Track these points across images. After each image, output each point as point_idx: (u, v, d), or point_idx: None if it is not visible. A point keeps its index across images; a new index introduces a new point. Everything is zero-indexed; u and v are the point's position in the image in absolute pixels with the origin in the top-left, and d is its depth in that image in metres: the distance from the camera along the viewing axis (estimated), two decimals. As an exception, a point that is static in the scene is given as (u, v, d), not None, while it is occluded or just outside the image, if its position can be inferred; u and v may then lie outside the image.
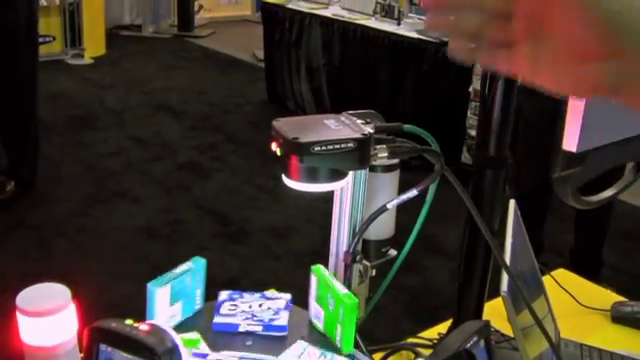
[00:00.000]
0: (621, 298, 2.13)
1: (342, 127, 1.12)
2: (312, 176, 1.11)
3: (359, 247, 1.30)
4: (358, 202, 1.29)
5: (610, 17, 0.62)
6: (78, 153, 5.86)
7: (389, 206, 1.19)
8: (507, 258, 1.37)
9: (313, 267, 1.33)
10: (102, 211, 4.84)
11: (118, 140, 6.21)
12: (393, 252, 1.39)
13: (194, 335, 1.33)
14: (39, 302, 1.05)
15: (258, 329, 1.36)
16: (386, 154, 1.12)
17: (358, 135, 1.10)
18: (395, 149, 1.12)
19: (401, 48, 5.88)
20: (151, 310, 1.29)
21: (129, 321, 1.02)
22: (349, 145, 1.08)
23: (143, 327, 0.99)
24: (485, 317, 1.81)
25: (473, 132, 5.15)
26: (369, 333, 1.39)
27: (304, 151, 1.08)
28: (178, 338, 0.99)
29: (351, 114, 1.17)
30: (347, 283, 1.30)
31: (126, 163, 5.72)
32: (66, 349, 1.06)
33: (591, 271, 3.68)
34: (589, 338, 1.92)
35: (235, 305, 1.42)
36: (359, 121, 1.14)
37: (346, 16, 6.51)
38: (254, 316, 1.37)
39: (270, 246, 4.41)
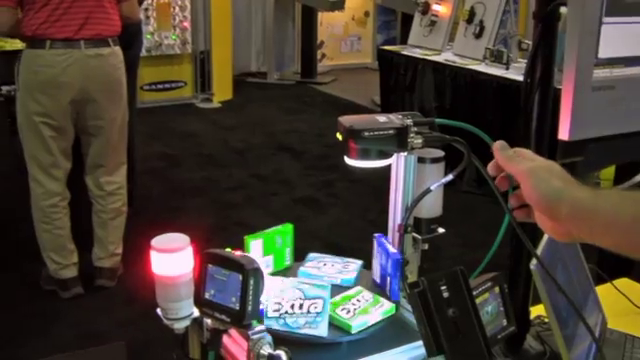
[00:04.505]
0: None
1: (387, 120, 1.48)
2: (365, 155, 1.48)
3: (411, 221, 1.65)
4: (409, 186, 1.64)
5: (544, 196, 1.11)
6: (204, 187, 6.35)
7: (432, 188, 1.54)
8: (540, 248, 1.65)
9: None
10: (223, 239, 5.27)
11: (240, 176, 6.68)
12: (441, 230, 1.73)
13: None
14: (167, 243, 1.45)
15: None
16: (421, 141, 1.47)
17: (398, 125, 1.46)
18: (428, 137, 1.47)
19: (509, 91, 6.13)
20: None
21: (228, 249, 1.42)
22: (390, 132, 1.45)
23: (238, 253, 1.39)
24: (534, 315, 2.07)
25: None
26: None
27: (357, 135, 1.45)
28: (263, 265, 1.37)
29: (397, 113, 1.53)
30: (401, 250, 1.65)
31: (247, 197, 6.17)
32: (184, 280, 1.45)
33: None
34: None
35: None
36: (401, 116, 1.50)
37: (457, 61, 6.81)
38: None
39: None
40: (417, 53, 7.29)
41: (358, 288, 1.77)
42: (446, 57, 7.04)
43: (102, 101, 4.24)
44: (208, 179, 6.57)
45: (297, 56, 11.43)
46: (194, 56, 9.25)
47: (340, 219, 5.78)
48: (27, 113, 4.17)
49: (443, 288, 1.23)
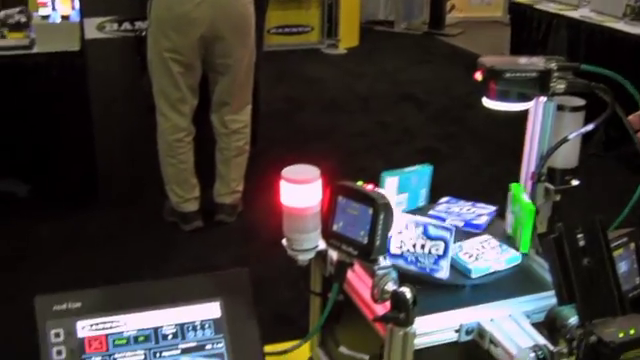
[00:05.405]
0: None
1: (530, 63, 1.43)
2: (504, 97, 1.44)
3: (545, 170, 1.60)
4: (546, 133, 1.58)
5: None
6: (327, 132, 6.37)
7: (570, 137, 1.49)
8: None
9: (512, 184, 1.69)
10: (343, 184, 5.28)
11: (364, 123, 6.67)
12: (575, 182, 1.67)
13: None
14: (297, 174, 1.45)
15: (460, 224, 1.73)
16: (563, 86, 1.41)
17: (541, 68, 1.41)
18: (571, 83, 1.42)
19: (650, 51, 5.87)
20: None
21: (360, 182, 1.41)
22: (532, 74, 1.40)
23: (369, 187, 1.38)
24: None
25: None
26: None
27: (498, 76, 1.40)
28: (395, 203, 1.36)
29: (541, 57, 1.48)
30: (532, 199, 1.61)
31: (369, 144, 6.15)
32: (313, 212, 1.45)
33: None
34: None
35: (449, 207, 1.88)
36: (545, 60, 1.45)
37: (594, 18, 6.57)
38: (460, 215, 1.75)
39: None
40: (552, 8, 7.07)
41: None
42: (582, 13, 6.80)
43: (230, 39, 4.27)
44: (331, 124, 6.58)
45: (426, 6, 11.24)
46: (322, 1, 9.25)
47: (461, 172, 5.69)
48: (158, 49, 4.25)
49: (579, 236, 1.19)
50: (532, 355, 1.26)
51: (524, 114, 1.66)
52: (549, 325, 1.28)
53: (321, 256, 1.55)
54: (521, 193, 1.63)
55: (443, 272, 1.56)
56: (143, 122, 4.93)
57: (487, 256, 1.63)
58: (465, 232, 1.77)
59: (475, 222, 1.77)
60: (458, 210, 1.87)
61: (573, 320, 1.23)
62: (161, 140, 4.47)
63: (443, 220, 1.81)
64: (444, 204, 1.93)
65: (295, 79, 7.99)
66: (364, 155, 5.89)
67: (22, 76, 4.61)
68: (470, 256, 1.63)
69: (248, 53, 4.43)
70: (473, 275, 1.59)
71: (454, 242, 1.57)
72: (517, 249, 1.65)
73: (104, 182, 5.02)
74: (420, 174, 1.88)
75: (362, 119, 6.78)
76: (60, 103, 4.69)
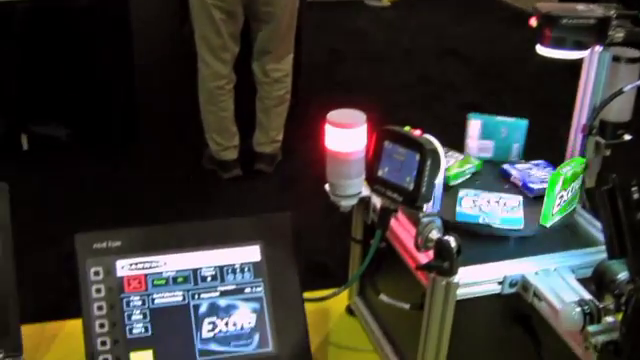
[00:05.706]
0: None
1: (588, 9, 1.39)
2: (559, 44, 1.39)
3: (596, 123, 1.55)
4: (600, 84, 1.54)
5: None
6: (369, 85, 6.31)
7: (625, 89, 1.44)
8: None
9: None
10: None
11: (406, 76, 6.59)
12: (628, 136, 1.62)
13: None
14: (343, 118, 1.42)
15: (518, 183, 1.73)
16: (622, 35, 1.36)
17: (599, 15, 1.36)
18: (630, 32, 1.37)
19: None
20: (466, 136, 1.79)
21: (407, 128, 1.38)
22: (590, 21, 1.35)
23: (417, 132, 1.35)
24: None
25: None
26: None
27: (554, 22, 1.36)
28: (441, 149, 1.32)
29: (599, 4, 1.43)
30: (582, 153, 1.57)
31: (411, 98, 6.09)
32: (357, 157, 1.42)
33: None
34: None
35: (529, 167, 1.83)
36: (603, 6, 1.40)
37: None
38: (527, 176, 1.73)
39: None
40: (602, -37, 6.90)
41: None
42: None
43: (273, -14, 4.24)
44: (373, 77, 6.53)
45: (473, -41, 11.05)
46: (367, -48, 9.11)
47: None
48: (200, -5, 4.22)
49: (634, 189, 1.15)
50: (578, 310, 1.23)
51: (571, 69, 1.62)
52: (597, 280, 1.25)
53: (364, 203, 1.52)
54: (567, 165, 1.58)
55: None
56: (184, 68, 4.91)
57: (488, 209, 1.61)
58: (520, 191, 1.75)
59: (531, 185, 1.74)
60: (533, 172, 1.83)
61: (623, 275, 1.19)
62: (202, 87, 4.46)
63: (509, 176, 1.77)
64: (528, 164, 1.89)
65: (337, 31, 7.91)
66: (406, 108, 5.84)
67: (65, 19, 4.61)
68: (472, 202, 1.63)
69: (291, 1, 4.38)
70: (456, 218, 1.58)
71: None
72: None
73: (144, 128, 5.04)
74: (512, 127, 1.84)
75: (405, 72, 6.72)
76: (102, 47, 4.69)
